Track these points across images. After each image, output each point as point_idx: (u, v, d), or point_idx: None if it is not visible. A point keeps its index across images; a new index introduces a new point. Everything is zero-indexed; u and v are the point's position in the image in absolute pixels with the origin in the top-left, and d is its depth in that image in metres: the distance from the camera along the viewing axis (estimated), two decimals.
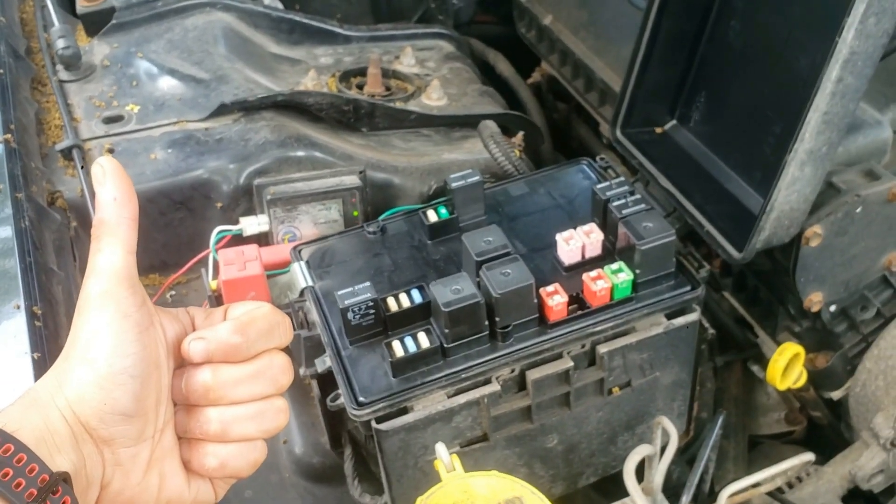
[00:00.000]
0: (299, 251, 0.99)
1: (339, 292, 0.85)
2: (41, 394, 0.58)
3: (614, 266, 0.88)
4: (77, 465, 0.56)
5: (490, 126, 1.18)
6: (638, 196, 0.92)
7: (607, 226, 0.93)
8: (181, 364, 0.63)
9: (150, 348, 0.60)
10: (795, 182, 0.85)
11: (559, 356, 0.87)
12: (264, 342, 0.64)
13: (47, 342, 0.81)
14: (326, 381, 0.91)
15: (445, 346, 0.84)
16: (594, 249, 0.92)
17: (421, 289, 0.87)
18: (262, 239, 1.09)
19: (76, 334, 0.59)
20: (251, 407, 0.63)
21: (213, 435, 0.63)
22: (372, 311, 0.85)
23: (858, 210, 0.92)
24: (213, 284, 1.00)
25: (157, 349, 0.61)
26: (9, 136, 1.02)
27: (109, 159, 0.61)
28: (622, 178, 0.97)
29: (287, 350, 0.68)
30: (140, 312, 0.59)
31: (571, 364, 0.86)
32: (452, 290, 0.82)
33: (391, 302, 0.87)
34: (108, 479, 0.59)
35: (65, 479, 0.54)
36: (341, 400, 0.85)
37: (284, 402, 0.66)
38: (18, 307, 0.81)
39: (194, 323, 0.65)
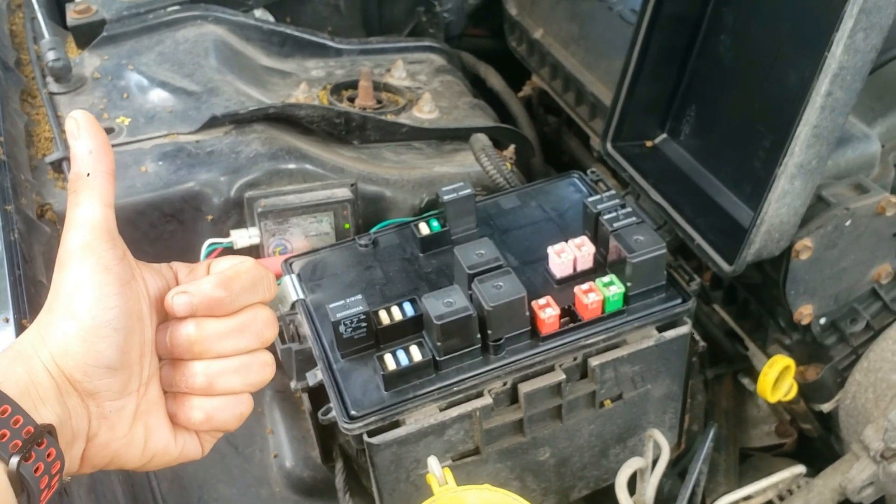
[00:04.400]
0: (290, 264, 0.99)
1: (331, 305, 0.85)
2: (25, 347, 0.58)
3: (606, 279, 0.88)
4: (62, 418, 0.56)
5: (481, 139, 1.18)
6: (629, 209, 0.92)
7: (598, 239, 0.93)
8: (165, 318, 0.64)
9: (133, 301, 0.60)
10: (785, 195, 0.86)
11: (551, 369, 0.87)
12: (248, 296, 0.64)
13: None
14: (318, 395, 0.91)
15: (437, 359, 0.83)
16: (585, 262, 0.92)
17: (413, 302, 0.87)
18: (253, 251, 1.09)
19: (58, 288, 0.59)
20: (236, 360, 0.64)
21: (198, 388, 0.63)
22: (364, 325, 0.85)
23: (848, 223, 0.93)
24: None
25: (140, 302, 0.61)
26: None
27: (83, 113, 0.61)
28: (613, 192, 0.98)
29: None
30: (121, 265, 0.59)
31: (563, 377, 0.87)
32: (445, 303, 0.82)
33: (383, 315, 0.87)
34: (94, 432, 0.59)
35: (49, 431, 0.55)
36: (333, 413, 0.84)
37: (270, 355, 0.66)
38: (7, 320, 0.80)
39: (177, 278, 0.66)
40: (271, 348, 0.67)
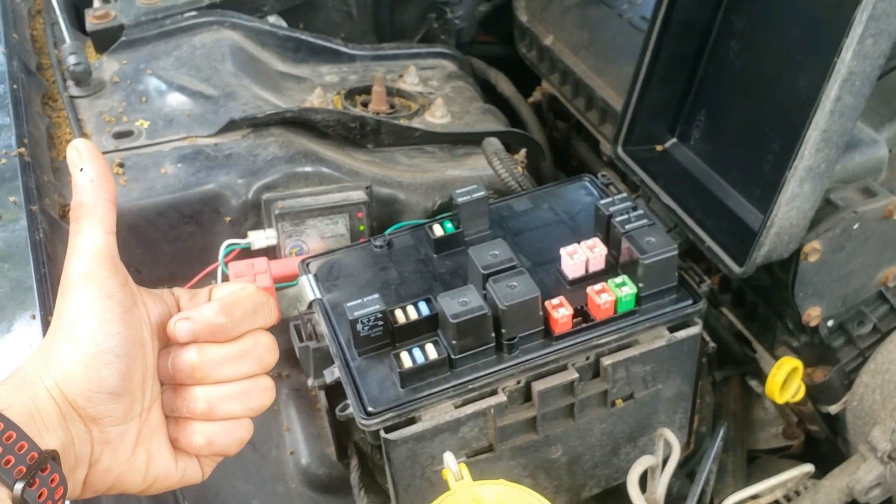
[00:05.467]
0: (307, 264, 1.01)
1: (349, 304, 0.86)
2: (29, 373, 0.59)
3: (618, 280, 0.89)
4: (65, 444, 0.57)
5: (494, 143, 1.20)
6: (640, 211, 0.94)
7: (610, 240, 0.94)
8: (167, 344, 0.64)
9: (135, 328, 0.61)
10: (795, 198, 0.87)
11: (564, 368, 0.89)
12: (249, 322, 0.65)
13: None
14: (334, 392, 0.93)
15: (453, 357, 0.85)
16: (598, 263, 0.93)
17: (428, 301, 0.88)
18: (270, 253, 1.11)
19: (61, 315, 0.60)
20: (237, 386, 0.64)
21: (199, 413, 0.64)
22: (380, 323, 0.86)
23: (856, 226, 0.94)
24: None
25: (142, 329, 0.62)
26: (22, 149, 1.03)
27: (84, 142, 0.62)
28: (625, 194, 0.99)
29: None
30: (123, 292, 0.60)
31: (576, 376, 0.88)
32: (460, 303, 0.84)
33: (399, 314, 0.88)
34: (97, 458, 0.60)
35: (53, 456, 0.55)
36: (350, 410, 0.86)
37: (270, 380, 0.67)
38: (34, 317, 0.82)
39: (179, 303, 0.66)
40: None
